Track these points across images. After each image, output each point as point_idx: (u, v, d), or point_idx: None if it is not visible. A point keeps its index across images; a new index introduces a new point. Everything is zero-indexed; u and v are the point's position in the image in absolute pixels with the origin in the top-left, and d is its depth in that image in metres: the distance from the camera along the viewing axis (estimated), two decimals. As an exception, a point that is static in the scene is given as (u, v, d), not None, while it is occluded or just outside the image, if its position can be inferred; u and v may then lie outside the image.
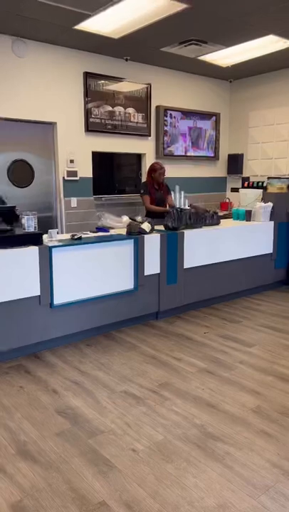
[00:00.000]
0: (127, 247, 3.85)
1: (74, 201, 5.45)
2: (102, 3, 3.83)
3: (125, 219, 4.39)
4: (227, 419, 2.50)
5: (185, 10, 4.01)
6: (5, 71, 4.72)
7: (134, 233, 3.94)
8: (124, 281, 3.84)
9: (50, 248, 3.33)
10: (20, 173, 5.05)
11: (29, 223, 3.31)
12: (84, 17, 4.13)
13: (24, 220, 3.30)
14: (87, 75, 5.31)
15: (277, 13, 4.10)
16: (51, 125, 5.19)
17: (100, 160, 5.76)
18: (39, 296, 3.31)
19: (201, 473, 2.04)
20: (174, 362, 3.25)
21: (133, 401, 2.69)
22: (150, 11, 4.07)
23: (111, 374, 3.06)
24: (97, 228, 4.25)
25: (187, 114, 6.42)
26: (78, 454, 2.18)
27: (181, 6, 3.92)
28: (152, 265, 4.00)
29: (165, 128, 6.17)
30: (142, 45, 5.06)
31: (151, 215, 5.02)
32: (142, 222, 4.10)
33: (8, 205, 3.62)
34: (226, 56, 5.52)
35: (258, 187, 6.27)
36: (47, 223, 5.03)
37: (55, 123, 5.18)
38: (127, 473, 2.04)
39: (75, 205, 5.47)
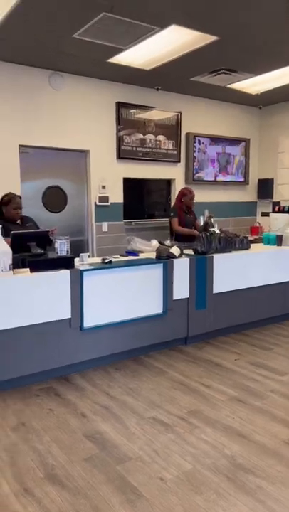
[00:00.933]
0: (156, 271, 3.87)
1: (105, 225, 5.57)
2: (134, 38, 4.00)
3: (154, 243, 4.43)
4: (258, 450, 2.42)
5: (214, 42, 4.14)
6: (42, 103, 4.97)
7: (164, 257, 3.96)
8: (153, 306, 3.85)
9: (81, 272, 3.40)
10: (54, 199, 5.23)
11: (62, 247, 3.40)
12: (117, 51, 4.32)
13: (57, 245, 3.39)
14: (120, 105, 5.50)
15: (306, 41, 4.16)
16: (84, 153, 5.38)
17: (131, 185, 5.88)
18: (70, 318, 3.36)
19: (232, 507, 1.97)
20: (203, 389, 3.20)
21: (162, 428, 2.66)
22: (181, 44, 4.21)
23: (140, 399, 3.04)
24: (126, 252, 4.30)
25: (216, 140, 6.51)
26: (106, 481, 2.16)
27: (211, 38, 4.04)
28: (181, 289, 4.00)
29: (194, 154, 6.26)
30: (173, 76, 5.22)
31: (179, 238, 5.06)
32: (171, 247, 4.13)
33: (42, 230, 3.74)
34: (255, 84, 5.60)
35: (288, 211, 6.22)
36: (78, 247, 5.14)
37: (88, 151, 5.36)
38: (154, 503, 2.00)
39: (106, 230, 5.58)
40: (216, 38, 4.03)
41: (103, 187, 5.49)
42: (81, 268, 3.45)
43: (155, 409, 2.90)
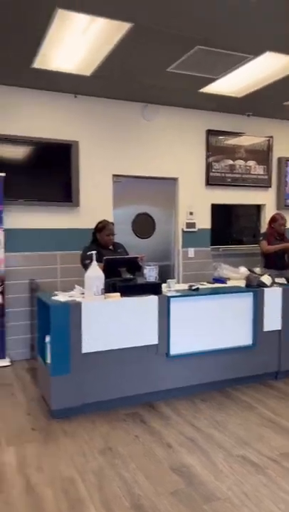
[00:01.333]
0: (246, 300, 3.75)
1: (191, 251, 5.56)
2: (227, 67, 4.04)
3: (243, 270, 4.30)
4: None
5: (310, 64, 4.01)
6: (135, 133, 5.19)
7: (254, 286, 3.83)
8: (242, 336, 3.71)
9: (168, 298, 3.42)
10: (143, 225, 5.37)
11: (150, 273, 3.45)
12: (210, 81, 4.39)
13: (146, 271, 3.45)
14: (210, 132, 5.54)
15: None
16: (174, 180, 5.48)
17: (219, 211, 5.83)
18: (157, 344, 3.37)
19: None
20: (296, 430, 2.97)
21: (251, 468, 2.51)
22: (274, 70, 4.15)
23: (226, 434, 2.91)
24: (214, 279, 4.24)
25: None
26: (193, 519, 2.08)
27: (307, 62, 3.93)
28: (272, 321, 3.81)
29: (287, 179, 6.04)
30: (264, 101, 5.14)
31: (270, 265, 4.86)
32: (261, 275, 3.98)
33: (132, 256, 3.85)
34: None
35: None
36: (165, 272, 5.18)
37: (177, 178, 5.45)
38: None
39: (192, 255, 5.56)
40: (312, 61, 3.91)
41: (191, 213, 5.52)
42: (168, 294, 3.47)
43: (243, 446, 2.75)
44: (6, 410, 3.31)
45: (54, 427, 3.01)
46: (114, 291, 3.35)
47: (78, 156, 4.86)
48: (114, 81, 4.44)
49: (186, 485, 2.35)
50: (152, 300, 3.36)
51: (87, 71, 4.12)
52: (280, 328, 3.83)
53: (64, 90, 4.72)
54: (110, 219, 4.49)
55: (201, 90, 4.69)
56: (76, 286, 3.51)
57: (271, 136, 5.94)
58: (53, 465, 2.55)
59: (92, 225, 4.14)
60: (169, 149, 5.36)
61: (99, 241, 4.00)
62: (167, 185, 5.50)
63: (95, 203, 4.95)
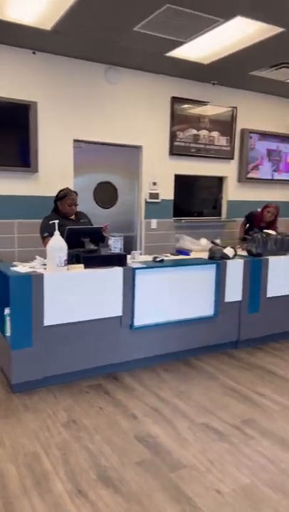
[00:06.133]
0: (209, 271, 3.76)
1: (154, 223, 5.50)
2: (196, 30, 3.88)
3: (204, 242, 4.31)
4: None
5: (279, 34, 3.93)
6: (98, 97, 4.95)
7: (217, 258, 3.84)
8: (204, 307, 3.74)
9: (133, 270, 3.35)
10: (105, 195, 5.22)
11: (116, 245, 3.35)
12: (177, 44, 4.21)
13: (111, 242, 3.35)
14: (174, 100, 5.39)
15: None
16: (137, 148, 5.32)
17: (181, 182, 5.76)
18: (121, 316, 3.32)
19: (295, 530, 1.85)
20: (257, 397, 3.06)
21: (215, 436, 2.56)
22: (243, 37, 4.04)
23: (190, 404, 2.95)
24: (177, 251, 4.21)
25: (271, 137, 6.25)
26: (160, 488, 2.09)
27: (276, 30, 3.85)
28: (234, 292, 3.86)
29: (249, 151, 6.05)
30: (231, 70, 5.05)
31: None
32: (224, 247, 4.00)
33: (96, 226, 3.73)
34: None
35: None
36: (127, 243, 5.09)
37: (141, 146, 5.30)
38: (212, 517, 1.91)
39: (155, 227, 5.51)
40: (282, 29, 3.83)
41: (154, 183, 5.42)
42: (133, 266, 3.40)
43: (207, 415, 2.80)
44: None
45: (15, 402, 2.92)
46: (78, 262, 3.24)
47: (37, 118, 4.57)
48: (76, 38, 4.15)
49: (152, 454, 2.36)
50: (117, 272, 3.28)
51: (48, 25, 3.82)
52: (240, 299, 3.90)
53: (22, 45, 4.38)
54: (71, 187, 4.30)
55: (168, 54, 4.51)
56: (37, 257, 3.35)
57: (235, 107, 5.88)
58: (14, 440, 2.47)
59: (53, 193, 3.95)
60: (132, 116, 5.17)
61: (60, 210, 3.83)
62: (131, 154, 5.33)
63: (55, 169, 4.72)
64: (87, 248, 3.32)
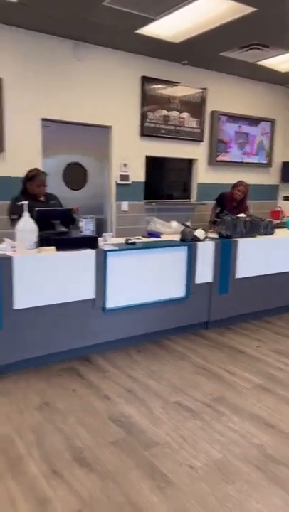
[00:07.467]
0: (180, 254, 3.78)
1: (125, 205, 5.45)
2: (167, 7, 3.80)
3: (174, 225, 4.33)
4: (288, 440, 2.37)
5: (250, 14, 3.92)
6: (66, 74, 4.79)
7: (188, 240, 3.86)
8: (176, 289, 3.77)
9: (105, 252, 3.32)
10: (75, 176, 5.11)
11: (87, 227, 3.31)
12: (147, 21, 4.12)
13: (83, 223, 3.30)
14: (144, 79, 5.30)
15: None
16: (107, 129, 5.22)
17: (152, 164, 5.73)
18: (93, 299, 3.30)
19: (265, 499, 1.93)
20: (227, 375, 3.15)
21: (187, 414, 2.62)
22: (215, 15, 4.00)
23: (162, 383, 3.00)
24: (149, 234, 4.21)
25: (241, 119, 6.29)
26: (134, 466, 2.13)
27: (248, 10, 3.82)
28: (204, 273, 3.91)
29: (219, 133, 6.07)
30: (202, 50, 5.00)
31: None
32: (195, 229, 4.02)
33: (66, 208, 3.65)
34: (285, 61, 5.36)
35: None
36: (98, 226, 5.01)
37: (111, 127, 5.20)
38: (186, 491, 1.97)
39: (126, 209, 5.47)
40: (253, 9, 3.81)
41: (124, 165, 5.35)
42: (105, 248, 3.37)
43: (179, 394, 2.86)
44: None
45: (-14, 387, 2.87)
46: (48, 244, 3.17)
47: (2, 95, 4.39)
48: (43, 11, 3.98)
49: (126, 434, 2.39)
50: (89, 254, 3.25)
51: (13, -4, 3.64)
52: (210, 280, 3.96)
53: (-16, 17, 4.15)
54: (39, 167, 4.18)
55: (138, 31, 4.41)
56: (6, 239, 3.26)
57: (205, 88, 5.85)
58: (-13, 425, 2.44)
59: (20, 174, 3.82)
60: (101, 95, 5.06)
61: (29, 191, 3.72)
62: (101, 134, 5.23)
63: (23, 149, 4.58)
64: (58, 230, 3.26)
